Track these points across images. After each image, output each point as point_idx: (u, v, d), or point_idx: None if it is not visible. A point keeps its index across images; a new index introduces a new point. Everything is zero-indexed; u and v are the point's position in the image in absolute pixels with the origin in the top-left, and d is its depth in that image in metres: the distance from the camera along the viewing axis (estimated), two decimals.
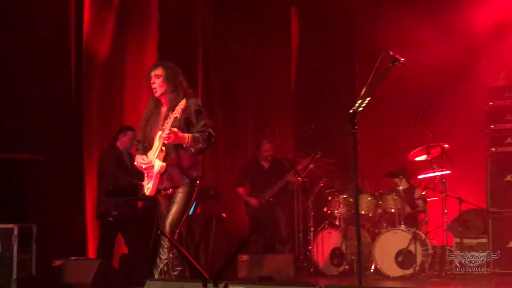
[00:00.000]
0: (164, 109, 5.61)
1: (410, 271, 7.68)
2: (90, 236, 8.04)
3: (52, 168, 7.28)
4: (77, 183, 7.97)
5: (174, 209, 5.47)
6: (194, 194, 5.56)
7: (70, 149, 7.85)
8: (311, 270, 8.30)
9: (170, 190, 5.55)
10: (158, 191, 5.57)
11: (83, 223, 7.97)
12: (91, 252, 7.91)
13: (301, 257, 8.76)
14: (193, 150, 5.50)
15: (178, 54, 8.69)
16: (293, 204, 8.86)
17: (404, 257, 7.70)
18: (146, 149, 5.66)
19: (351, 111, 4.74)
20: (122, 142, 7.70)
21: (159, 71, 5.61)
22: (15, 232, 6.21)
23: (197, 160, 5.61)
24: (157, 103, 5.68)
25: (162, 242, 5.50)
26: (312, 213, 8.69)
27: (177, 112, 5.33)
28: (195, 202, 7.56)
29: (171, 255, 5.46)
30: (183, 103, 5.35)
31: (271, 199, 8.68)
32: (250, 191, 8.86)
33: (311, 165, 8.62)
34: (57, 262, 6.66)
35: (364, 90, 4.80)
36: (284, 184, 8.73)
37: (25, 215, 6.91)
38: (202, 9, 9.79)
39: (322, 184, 8.75)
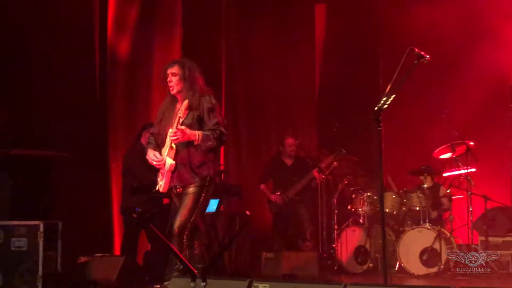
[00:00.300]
0: (179, 106, 5.53)
1: (435, 269, 7.63)
2: (117, 233, 8.09)
3: (78, 165, 7.33)
4: (103, 180, 8.04)
5: (181, 211, 5.39)
6: (203, 194, 5.43)
7: (96, 147, 7.92)
8: (335, 268, 8.28)
9: (179, 188, 5.48)
10: (170, 189, 5.52)
11: (109, 220, 8.03)
12: (117, 249, 7.94)
13: (325, 255, 8.73)
14: (202, 148, 5.41)
15: (202, 52, 8.71)
16: (317, 202, 8.83)
17: (428, 256, 7.66)
18: (160, 146, 5.59)
19: (376, 108, 4.72)
20: (146, 138, 7.71)
21: (175, 69, 5.54)
22: (41, 228, 6.24)
23: (208, 159, 5.49)
24: (173, 99, 5.62)
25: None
26: (336, 211, 8.65)
27: (181, 112, 5.30)
28: (218, 200, 7.59)
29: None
30: (185, 103, 5.31)
31: (294, 196, 8.68)
32: (272, 188, 8.87)
33: (335, 163, 8.60)
34: (83, 259, 6.71)
35: (389, 87, 4.78)
36: (308, 182, 8.72)
37: (51, 212, 6.96)
38: (226, 7, 9.80)
39: (346, 182, 8.72)
